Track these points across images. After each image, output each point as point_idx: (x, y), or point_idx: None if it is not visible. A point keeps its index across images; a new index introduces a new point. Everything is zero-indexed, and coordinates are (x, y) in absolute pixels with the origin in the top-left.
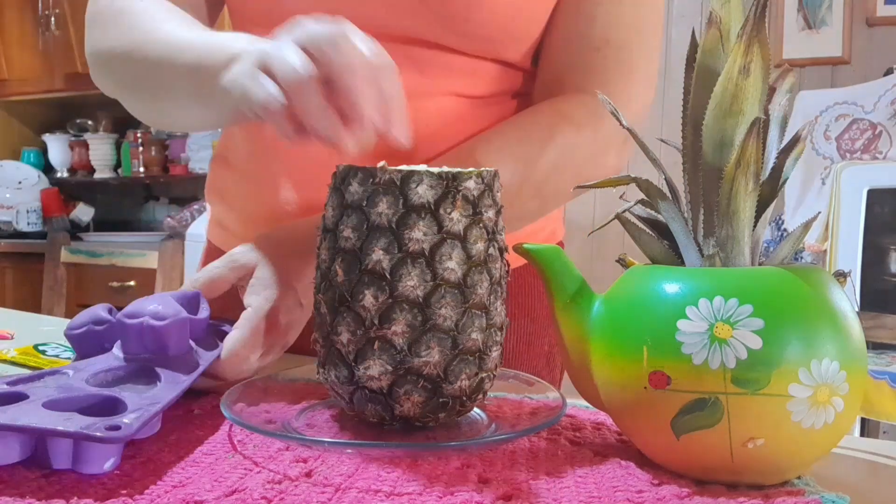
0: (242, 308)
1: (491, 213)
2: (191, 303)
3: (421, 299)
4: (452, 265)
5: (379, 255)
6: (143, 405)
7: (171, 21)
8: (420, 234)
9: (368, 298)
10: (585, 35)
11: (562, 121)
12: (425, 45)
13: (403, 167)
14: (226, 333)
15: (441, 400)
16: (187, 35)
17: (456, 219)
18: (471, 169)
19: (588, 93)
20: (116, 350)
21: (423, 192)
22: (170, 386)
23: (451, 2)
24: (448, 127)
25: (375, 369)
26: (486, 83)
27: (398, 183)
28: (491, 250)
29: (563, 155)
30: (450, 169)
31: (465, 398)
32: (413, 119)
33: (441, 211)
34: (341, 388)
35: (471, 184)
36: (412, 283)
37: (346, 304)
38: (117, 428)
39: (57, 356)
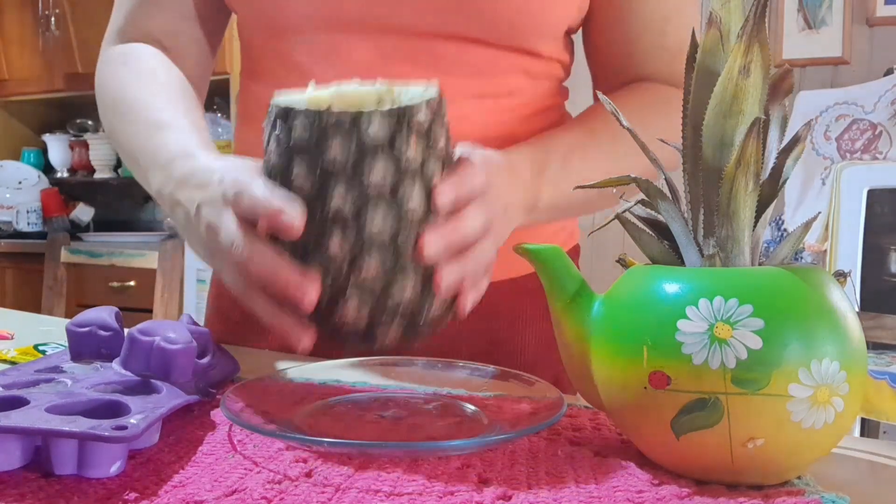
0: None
1: (442, 143)
2: (199, 341)
3: (387, 241)
4: (414, 205)
5: (339, 202)
6: (147, 408)
7: (155, 104)
8: (379, 177)
9: (335, 245)
10: (664, 46)
11: (653, 110)
12: (443, 38)
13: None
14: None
15: (417, 328)
16: (159, 136)
17: (412, 157)
18: (420, 98)
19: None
20: (116, 366)
21: (374, 133)
22: (173, 394)
23: None
24: (470, 133)
25: (351, 314)
26: (511, 79)
27: (348, 124)
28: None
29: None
30: (399, 105)
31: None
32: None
33: (395, 149)
34: (318, 328)
35: (421, 116)
36: (378, 226)
37: (309, 254)
38: (124, 428)
39: None
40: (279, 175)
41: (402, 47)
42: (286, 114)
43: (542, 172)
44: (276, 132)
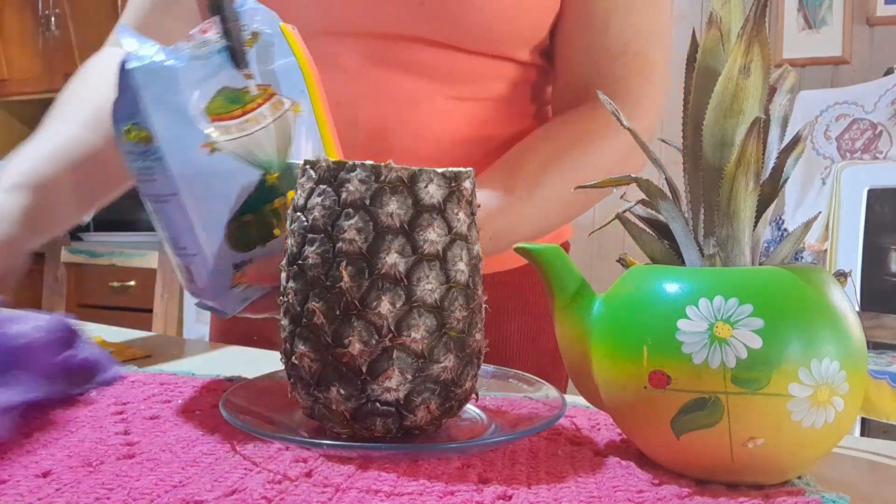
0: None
1: (477, 214)
2: (61, 335)
3: (438, 303)
4: (462, 266)
5: (394, 258)
6: None
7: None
8: (434, 235)
9: (385, 304)
10: (603, 45)
11: (586, 139)
12: (423, 43)
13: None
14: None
15: (448, 405)
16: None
17: (462, 219)
18: (469, 169)
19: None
20: None
21: (433, 192)
22: (26, 388)
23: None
24: (449, 133)
25: (395, 380)
26: (490, 84)
27: (406, 181)
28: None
29: (591, 171)
30: (450, 168)
31: (464, 400)
32: (413, 123)
33: (448, 211)
34: (343, 405)
35: (468, 184)
36: (430, 286)
37: (354, 312)
38: None
39: None
40: (323, 231)
41: (387, 51)
42: (338, 168)
43: (512, 191)
44: (323, 187)
